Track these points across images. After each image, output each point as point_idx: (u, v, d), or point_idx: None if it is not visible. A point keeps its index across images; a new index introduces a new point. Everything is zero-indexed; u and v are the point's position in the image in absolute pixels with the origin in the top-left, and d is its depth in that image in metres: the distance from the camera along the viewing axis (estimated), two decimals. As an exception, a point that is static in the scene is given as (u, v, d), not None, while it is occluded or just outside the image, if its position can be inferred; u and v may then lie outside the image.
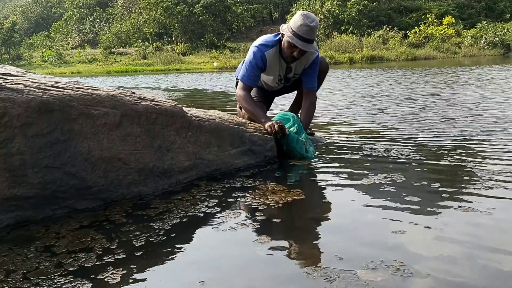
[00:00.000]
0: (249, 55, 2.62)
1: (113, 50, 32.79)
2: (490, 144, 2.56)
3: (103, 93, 1.79)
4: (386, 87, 7.15)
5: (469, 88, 6.30)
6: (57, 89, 1.66)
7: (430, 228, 1.42)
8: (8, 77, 1.64)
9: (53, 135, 1.59)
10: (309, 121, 2.77)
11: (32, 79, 1.71)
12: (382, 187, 1.84)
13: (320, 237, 1.41)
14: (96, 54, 31.07)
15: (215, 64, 24.74)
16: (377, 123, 3.56)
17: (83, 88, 1.77)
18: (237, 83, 2.79)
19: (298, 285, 1.10)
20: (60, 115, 1.61)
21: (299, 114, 2.78)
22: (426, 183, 1.86)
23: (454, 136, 2.86)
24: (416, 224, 1.45)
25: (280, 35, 2.58)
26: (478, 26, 29.18)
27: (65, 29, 45.27)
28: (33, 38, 40.57)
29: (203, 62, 26.72)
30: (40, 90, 1.60)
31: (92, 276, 1.17)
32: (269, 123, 2.42)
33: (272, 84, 2.82)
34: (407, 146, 2.62)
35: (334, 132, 3.23)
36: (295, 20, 2.45)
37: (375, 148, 2.58)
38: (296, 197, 1.77)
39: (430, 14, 31.08)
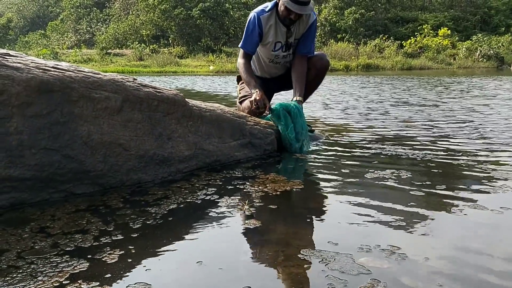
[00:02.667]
0: (247, 22, 2.67)
1: (109, 50, 32.63)
2: (501, 149, 2.48)
3: (105, 77, 1.75)
4: (390, 93, 7.11)
5: (478, 95, 6.26)
6: (58, 70, 1.62)
7: (432, 220, 1.39)
8: (8, 57, 1.60)
9: (52, 116, 1.55)
10: (302, 89, 2.68)
11: (31, 60, 1.67)
12: (385, 181, 1.82)
13: (316, 224, 1.40)
14: (92, 54, 30.88)
15: (211, 67, 24.72)
16: (385, 125, 3.51)
17: (84, 71, 1.73)
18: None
19: (294, 266, 1.09)
20: (61, 96, 1.57)
21: (296, 98, 2.67)
22: (430, 182, 1.80)
23: (465, 139, 2.80)
24: (416, 216, 1.42)
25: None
26: (473, 39, 29.52)
27: (62, 29, 45.03)
28: (29, 37, 40.32)
29: (200, 65, 26.67)
30: (41, 70, 1.57)
31: (89, 256, 1.13)
32: (254, 95, 2.44)
33: (272, 52, 2.73)
34: (417, 147, 2.55)
35: (340, 131, 3.21)
36: None
37: (383, 147, 2.54)
38: (295, 187, 1.75)
39: (426, 25, 31.41)
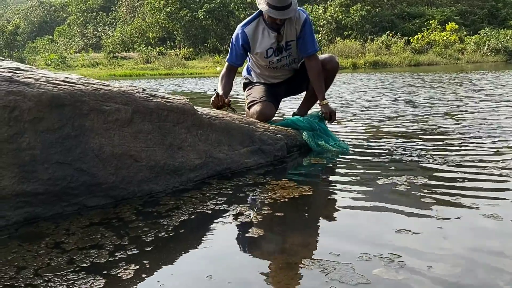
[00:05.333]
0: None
1: (116, 54, 32.83)
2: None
3: (114, 89, 1.76)
4: (404, 93, 6.98)
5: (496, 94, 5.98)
6: (68, 84, 1.63)
7: (439, 228, 1.37)
8: (18, 71, 1.61)
9: (64, 130, 1.56)
10: (322, 91, 2.73)
11: (42, 74, 1.69)
12: (397, 187, 1.79)
13: (320, 233, 1.41)
14: (99, 58, 31.10)
15: (218, 68, 24.75)
16: (399, 127, 3.43)
17: (94, 84, 1.74)
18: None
19: (294, 277, 1.10)
20: (71, 110, 1.58)
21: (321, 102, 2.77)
22: (439, 190, 1.75)
23: (486, 143, 2.64)
24: (423, 224, 1.41)
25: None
26: (481, 33, 29.22)
27: (69, 33, 45.45)
28: (36, 42, 40.66)
29: (206, 66, 26.74)
30: (51, 85, 1.58)
31: (104, 272, 1.14)
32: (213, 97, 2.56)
33: (265, 59, 2.74)
34: (434, 151, 2.44)
35: (355, 134, 3.17)
36: None
37: (401, 152, 2.44)
38: (304, 193, 1.76)
39: (433, 20, 31.13)
